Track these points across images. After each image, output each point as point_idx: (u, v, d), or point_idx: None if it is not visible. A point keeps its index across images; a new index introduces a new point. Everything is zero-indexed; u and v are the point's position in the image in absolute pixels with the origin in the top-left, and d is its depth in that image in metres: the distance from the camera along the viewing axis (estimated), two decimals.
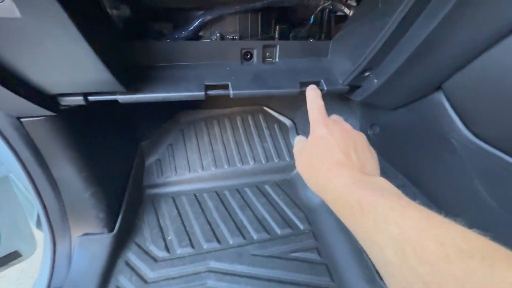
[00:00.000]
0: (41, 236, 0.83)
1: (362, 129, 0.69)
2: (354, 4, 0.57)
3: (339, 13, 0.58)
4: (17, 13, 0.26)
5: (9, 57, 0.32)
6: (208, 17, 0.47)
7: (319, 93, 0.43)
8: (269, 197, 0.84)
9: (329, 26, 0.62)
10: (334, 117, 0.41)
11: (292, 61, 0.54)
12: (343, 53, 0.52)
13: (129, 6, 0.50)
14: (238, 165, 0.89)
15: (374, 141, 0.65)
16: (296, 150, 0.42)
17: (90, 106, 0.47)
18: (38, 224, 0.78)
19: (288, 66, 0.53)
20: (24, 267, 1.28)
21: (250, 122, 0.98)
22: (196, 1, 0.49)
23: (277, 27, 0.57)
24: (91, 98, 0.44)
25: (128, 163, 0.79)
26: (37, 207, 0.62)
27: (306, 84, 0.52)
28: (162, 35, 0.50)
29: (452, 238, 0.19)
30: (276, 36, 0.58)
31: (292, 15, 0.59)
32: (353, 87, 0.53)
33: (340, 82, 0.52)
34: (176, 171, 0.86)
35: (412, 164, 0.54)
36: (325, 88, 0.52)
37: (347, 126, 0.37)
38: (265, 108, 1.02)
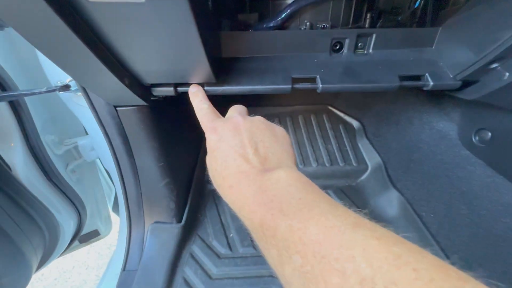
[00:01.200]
0: (115, 219, 0.90)
1: (463, 135, 0.58)
2: None
3: None
4: None
5: (123, 44, 0.33)
6: (299, 5, 0.44)
7: (200, 92, 0.39)
8: None
9: (429, 13, 0.53)
10: (235, 109, 0.36)
11: (388, 52, 0.47)
12: (458, 41, 0.43)
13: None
14: (300, 166, 0.84)
15: (480, 150, 0.54)
16: None
17: (169, 100, 0.48)
18: (115, 207, 0.85)
19: (384, 57, 0.47)
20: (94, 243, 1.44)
21: (313, 121, 0.92)
22: None
23: (368, 15, 0.51)
24: (180, 89, 0.44)
25: (194, 156, 0.81)
26: (116, 192, 0.67)
27: (407, 77, 0.45)
28: (248, 25, 0.49)
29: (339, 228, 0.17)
30: (367, 25, 0.51)
31: (387, 1, 0.52)
32: (467, 82, 0.44)
33: (451, 76, 0.44)
34: None
35: None
36: (431, 83, 0.44)
37: (238, 118, 0.31)
38: (330, 107, 0.95)
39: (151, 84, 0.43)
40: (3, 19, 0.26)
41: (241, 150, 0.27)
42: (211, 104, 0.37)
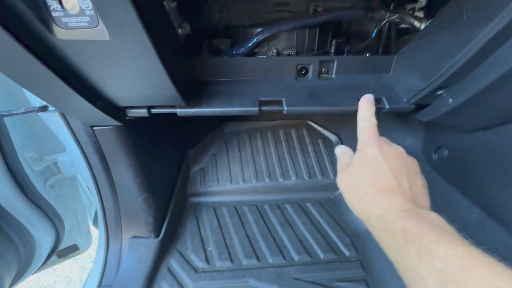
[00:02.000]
0: (96, 233, 0.90)
1: (425, 152, 0.62)
2: (421, 15, 0.52)
3: (402, 26, 0.54)
4: (106, 37, 0.29)
5: (93, 73, 0.35)
6: (267, 34, 0.47)
7: (373, 108, 0.41)
8: (311, 216, 0.80)
9: (391, 39, 0.57)
10: (384, 139, 0.38)
11: (349, 77, 0.51)
12: (410, 68, 0.47)
13: (190, 24, 0.52)
14: (280, 179, 0.86)
15: (440, 166, 0.57)
16: (340, 164, 0.40)
17: (146, 118, 0.50)
18: (95, 221, 0.86)
19: (346, 82, 0.51)
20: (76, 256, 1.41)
21: (294, 136, 0.96)
22: (255, 18, 0.49)
23: (333, 42, 0.55)
24: (153, 110, 0.47)
25: (176, 170, 0.83)
26: (96, 206, 0.68)
27: None
28: (219, 50, 0.52)
29: (502, 282, 0.18)
30: (332, 50, 0.55)
31: (351, 28, 0.56)
32: (420, 106, 0.48)
33: (405, 100, 0.48)
34: (218, 181, 0.87)
35: (495, 197, 0.46)
36: (387, 106, 0.47)
37: (401, 150, 0.35)
38: (310, 122, 0.99)
39: (125, 106, 0.46)
40: None
41: (398, 176, 0.30)
42: (377, 122, 0.39)
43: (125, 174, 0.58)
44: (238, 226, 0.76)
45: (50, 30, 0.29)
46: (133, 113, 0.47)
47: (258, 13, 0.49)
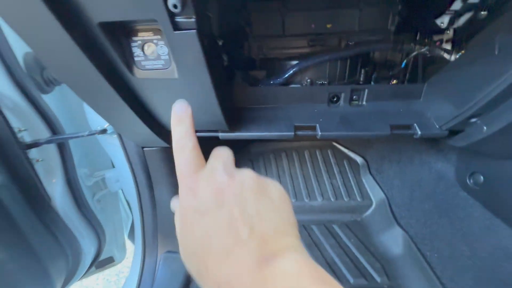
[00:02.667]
0: (130, 246, 0.95)
1: (459, 177, 0.62)
2: (449, 47, 0.54)
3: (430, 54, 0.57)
4: (175, 75, 0.35)
5: (156, 103, 0.41)
6: (302, 67, 0.52)
7: (188, 118, 0.29)
8: (338, 239, 0.79)
9: (419, 68, 0.60)
10: (218, 157, 0.27)
11: (380, 103, 0.53)
12: (441, 96, 0.49)
13: (229, 57, 0.58)
14: (306, 200, 0.87)
15: (476, 192, 0.57)
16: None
17: None
18: (130, 235, 0.90)
19: (376, 108, 0.53)
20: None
21: (319, 156, 0.98)
22: (290, 52, 0.55)
23: (363, 70, 0.59)
24: (198, 134, 0.51)
25: None
26: (134, 220, 0.72)
27: (397, 127, 0.51)
28: (255, 80, 0.57)
29: None
30: (361, 78, 0.59)
31: (378, 57, 0.59)
32: (453, 131, 0.49)
33: (437, 126, 0.49)
34: None
35: None
36: (419, 132, 0.49)
37: (222, 177, 0.24)
38: (334, 143, 1.00)
39: None
40: (61, 80, 0.35)
41: (231, 230, 0.21)
42: (196, 142, 0.28)
43: (166, 192, 0.62)
44: None
45: (131, 71, 0.35)
46: None
47: (293, 48, 0.54)
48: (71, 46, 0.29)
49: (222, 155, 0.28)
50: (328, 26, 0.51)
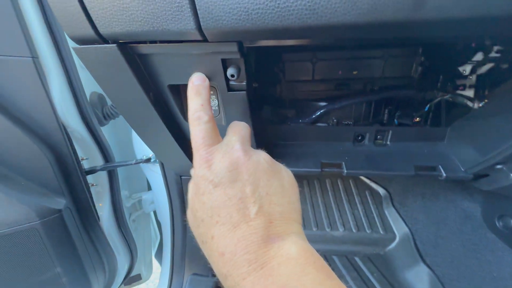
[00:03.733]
0: (155, 265, 0.99)
1: (486, 218, 0.61)
2: (471, 94, 0.57)
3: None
4: (223, 122, 0.40)
5: None
6: (329, 108, 0.57)
7: (205, 90, 0.28)
8: (360, 272, 0.78)
9: (443, 113, 0.62)
10: (236, 132, 0.27)
11: (404, 144, 0.56)
12: (465, 141, 0.51)
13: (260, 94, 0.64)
14: (327, 229, 0.88)
15: (505, 235, 0.56)
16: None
17: None
18: (157, 254, 0.95)
19: (400, 149, 0.56)
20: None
21: (340, 186, 0.99)
22: (318, 94, 0.60)
23: (386, 110, 0.62)
24: None
25: None
26: (164, 241, 0.77)
27: (422, 168, 0.53)
28: (286, 117, 0.62)
29: None
30: (385, 118, 0.62)
31: (403, 99, 0.63)
32: (478, 175, 0.51)
33: (462, 169, 0.51)
34: None
35: None
36: (444, 174, 0.51)
37: (239, 153, 0.24)
38: None
39: None
40: (127, 120, 0.42)
41: (241, 205, 0.22)
42: (212, 116, 0.28)
43: None
44: None
45: (186, 119, 0.41)
46: None
47: (321, 90, 0.59)
48: (145, 102, 0.35)
49: (240, 131, 0.28)
50: (354, 73, 0.56)
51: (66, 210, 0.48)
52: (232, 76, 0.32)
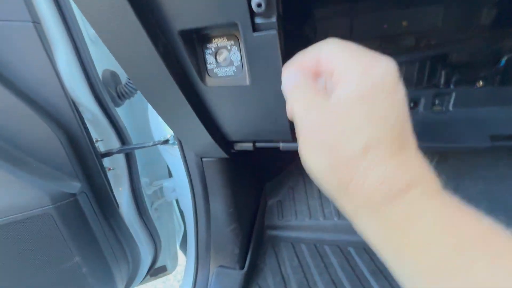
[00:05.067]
0: (181, 256, 0.96)
1: None
2: None
3: None
4: (247, 82, 0.33)
5: (224, 113, 0.40)
6: None
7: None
8: (352, 263, 0.69)
9: None
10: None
11: (472, 110, 0.45)
12: None
13: None
14: (320, 219, 0.79)
15: None
16: (303, 98, 0.22)
17: (242, 152, 0.53)
18: (182, 245, 0.92)
19: (467, 116, 0.45)
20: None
21: None
22: None
23: (443, 72, 0.51)
24: (258, 144, 0.49)
25: (256, 203, 0.84)
26: (185, 231, 0.73)
27: (500, 137, 0.42)
28: None
29: None
30: (442, 81, 0.51)
31: (466, 58, 0.51)
32: None
33: None
34: (296, 215, 0.84)
35: None
36: None
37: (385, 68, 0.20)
38: None
39: (235, 140, 0.50)
40: (138, 88, 0.36)
41: (379, 120, 0.19)
42: None
43: (221, 204, 0.61)
44: (321, 268, 0.70)
45: (203, 79, 0.34)
46: (240, 146, 0.50)
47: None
48: (154, 56, 0.29)
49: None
50: (404, 24, 0.46)
51: (82, 195, 0.45)
52: (259, 5, 0.24)
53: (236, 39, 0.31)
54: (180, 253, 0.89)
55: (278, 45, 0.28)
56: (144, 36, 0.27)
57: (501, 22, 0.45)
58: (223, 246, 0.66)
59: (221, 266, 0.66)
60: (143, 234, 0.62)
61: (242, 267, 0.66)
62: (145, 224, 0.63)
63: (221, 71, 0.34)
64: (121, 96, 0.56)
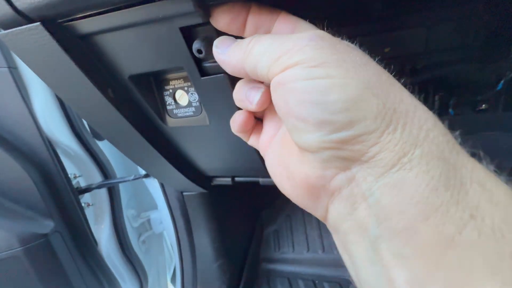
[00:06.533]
0: None
1: None
2: None
3: None
4: (207, 122, 0.31)
5: (190, 151, 0.39)
6: None
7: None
8: None
9: None
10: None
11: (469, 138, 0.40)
12: None
13: None
14: (319, 252, 0.72)
15: None
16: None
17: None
18: (173, 278, 0.88)
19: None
20: None
21: None
22: None
23: (436, 97, 0.47)
24: (237, 179, 0.47)
25: (249, 232, 0.80)
26: (175, 265, 0.69)
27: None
28: None
29: None
30: (435, 107, 0.47)
31: (461, 80, 0.47)
32: None
33: None
34: (293, 247, 0.78)
35: None
36: None
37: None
38: None
39: (212, 176, 0.48)
40: (100, 132, 0.35)
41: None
42: None
43: (205, 238, 0.58)
44: None
45: (163, 120, 0.33)
46: (218, 181, 0.48)
47: None
48: (103, 102, 0.28)
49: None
50: (386, 50, 0.43)
51: (55, 234, 0.43)
52: (199, 52, 0.23)
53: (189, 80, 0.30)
54: (172, 286, 0.85)
55: (229, 87, 0.26)
56: (88, 83, 0.26)
57: (492, 43, 0.41)
58: (210, 283, 0.62)
59: None
60: (125, 270, 0.60)
61: None
62: (128, 259, 0.60)
63: (181, 112, 0.32)
64: None
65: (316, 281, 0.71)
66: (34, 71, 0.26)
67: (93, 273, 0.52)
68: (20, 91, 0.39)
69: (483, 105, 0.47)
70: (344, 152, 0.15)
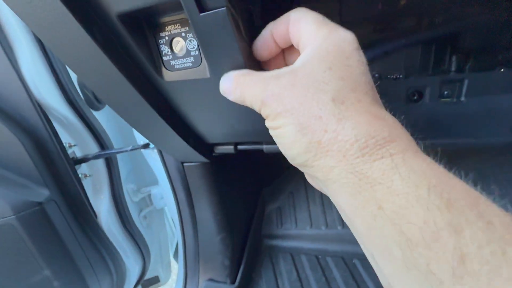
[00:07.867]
0: (175, 266, 0.92)
1: None
2: None
3: None
4: (207, 74, 0.28)
5: (190, 111, 0.36)
6: (367, 57, 0.41)
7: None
8: (357, 277, 0.60)
9: None
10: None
11: (489, 99, 0.38)
12: None
13: None
14: (322, 228, 0.71)
15: None
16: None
17: (229, 155, 0.48)
18: (175, 254, 0.88)
19: (484, 106, 0.37)
20: None
21: None
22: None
23: (454, 57, 0.43)
24: (240, 147, 0.44)
25: (250, 210, 0.79)
26: (178, 240, 0.69)
27: None
28: None
29: None
30: (453, 68, 0.44)
31: (477, 39, 0.43)
32: None
33: None
34: (296, 223, 0.78)
35: None
36: None
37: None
38: None
39: (214, 143, 0.45)
40: (94, 90, 0.32)
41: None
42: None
43: (207, 211, 0.56)
44: (322, 283, 0.63)
45: (160, 73, 0.30)
46: (220, 149, 0.46)
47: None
48: (92, 47, 0.25)
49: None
50: (402, 2, 0.39)
51: (50, 203, 0.42)
52: None
53: (188, 23, 0.26)
54: (174, 263, 0.85)
55: (230, 26, 0.23)
56: (74, 23, 0.23)
57: None
58: (212, 257, 0.61)
59: (210, 279, 0.61)
60: (127, 244, 0.59)
61: (233, 281, 0.61)
62: (130, 233, 0.59)
63: (179, 63, 0.29)
64: (100, 100, 0.53)
65: (319, 256, 0.70)
66: (10, 7, 0.23)
67: (94, 245, 0.51)
68: (3, 47, 0.35)
69: (502, 69, 0.43)
70: (305, 169, 0.22)
